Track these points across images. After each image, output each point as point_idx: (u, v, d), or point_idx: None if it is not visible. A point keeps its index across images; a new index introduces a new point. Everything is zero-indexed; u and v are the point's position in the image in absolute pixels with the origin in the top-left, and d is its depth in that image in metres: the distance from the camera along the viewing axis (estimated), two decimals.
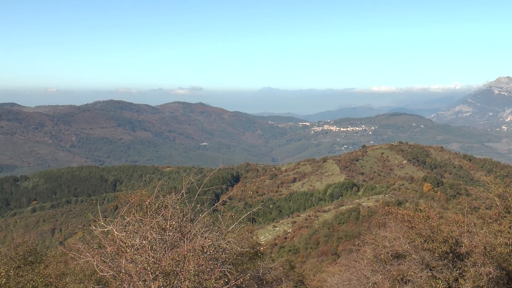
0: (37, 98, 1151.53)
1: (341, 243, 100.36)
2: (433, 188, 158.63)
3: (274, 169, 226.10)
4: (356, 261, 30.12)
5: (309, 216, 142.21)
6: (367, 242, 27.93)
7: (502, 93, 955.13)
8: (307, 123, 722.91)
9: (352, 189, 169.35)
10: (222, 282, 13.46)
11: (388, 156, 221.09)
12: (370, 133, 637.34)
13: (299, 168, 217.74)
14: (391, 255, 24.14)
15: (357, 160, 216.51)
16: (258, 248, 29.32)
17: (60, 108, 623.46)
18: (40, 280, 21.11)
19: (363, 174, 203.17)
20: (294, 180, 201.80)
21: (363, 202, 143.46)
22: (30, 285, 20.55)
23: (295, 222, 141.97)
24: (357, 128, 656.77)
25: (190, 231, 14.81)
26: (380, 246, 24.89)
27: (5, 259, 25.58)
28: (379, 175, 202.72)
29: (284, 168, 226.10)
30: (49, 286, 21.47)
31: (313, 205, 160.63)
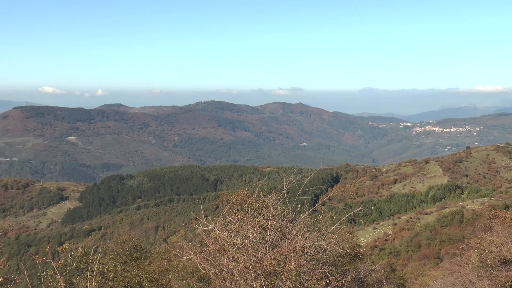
0: (142, 99, 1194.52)
1: (443, 246, 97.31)
2: None
3: (374, 170, 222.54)
4: (460, 265, 29.05)
5: (410, 218, 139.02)
6: (472, 247, 26.86)
7: None
8: (408, 124, 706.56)
9: (455, 192, 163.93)
10: (323, 283, 13.31)
11: (494, 158, 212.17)
12: (475, 134, 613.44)
13: (400, 169, 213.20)
14: (498, 261, 23.10)
15: (461, 162, 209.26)
16: (358, 249, 28.88)
17: (164, 109, 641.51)
18: (145, 275, 21.63)
19: (467, 176, 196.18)
20: (395, 182, 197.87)
21: (467, 205, 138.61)
22: (136, 280, 21.10)
23: (396, 224, 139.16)
24: (461, 129, 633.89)
25: (291, 231, 14.76)
26: (487, 251, 23.86)
27: (112, 255, 26.52)
28: (484, 178, 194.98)
29: (384, 169, 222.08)
30: (153, 282, 21.97)
31: (415, 207, 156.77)
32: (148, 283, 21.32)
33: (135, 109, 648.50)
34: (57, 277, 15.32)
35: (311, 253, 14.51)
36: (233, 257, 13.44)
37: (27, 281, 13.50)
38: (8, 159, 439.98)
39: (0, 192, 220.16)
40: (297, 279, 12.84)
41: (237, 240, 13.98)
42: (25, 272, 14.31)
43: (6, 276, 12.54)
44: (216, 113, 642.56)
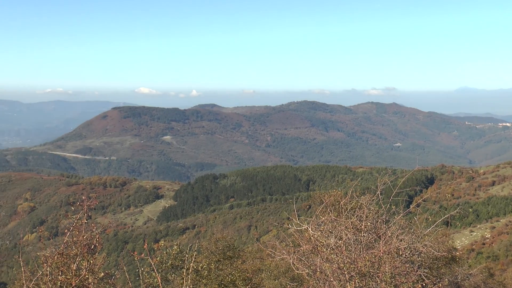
0: (235, 100, 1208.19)
1: None
2: None
3: (471, 172, 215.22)
4: None
5: (510, 221, 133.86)
6: None
7: None
8: (508, 124, 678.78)
9: None
10: (419, 286, 12.96)
11: None
12: None
13: (498, 170, 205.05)
14: None
15: None
16: (454, 253, 27.99)
17: (257, 109, 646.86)
18: (238, 274, 21.81)
19: None
20: (493, 184, 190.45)
21: None
22: (229, 279, 21.30)
23: (494, 227, 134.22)
24: None
25: (385, 232, 14.47)
26: None
27: (206, 253, 26.95)
28: None
29: (482, 171, 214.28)
30: (246, 281, 22.11)
31: None
32: (241, 282, 21.48)
33: (229, 109, 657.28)
34: (153, 274, 15.70)
35: (406, 255, 14.15)
36: (327, 258, 13.33)
37: (126, 276, 13.89)
38: (107, 158, 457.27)
39: (99, 190, 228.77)
40: (392, 281, 12.58)
41: (330, 241, 13.85)
42: (124, 268, 14.71)
43: (107, 271, 12.95)
44: (309, 113, 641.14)
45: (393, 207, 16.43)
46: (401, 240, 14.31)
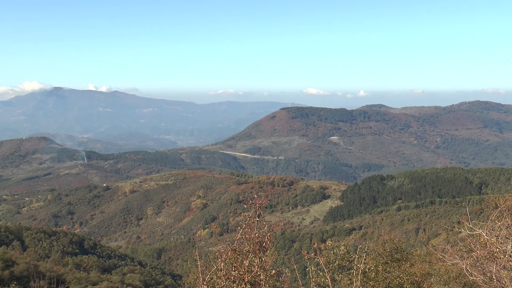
0: (403, 100, 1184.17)
1: None
2: None
3: None
4: None
5: None
6: None
7: None
8: None
9: None
10: None
11: None
12: None
13: None
14: None
15: None
16: None
17: (426, 109, 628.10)
18: (406, 277, 21.42)
19: None
20: None
21: None
22: (396, 282, 20.99)
23: None
24: None
25: None
26: None
27: (373, 254, 26.67)
28: None
29: None
30: (414, 285, 21.65)
31: None
32: (409, 285, 21.09)
33: (396, 110, 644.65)
34: (321, 274, 15.86)
35: None
36: (504, 265, 12.69)
37: (296, 274, 14.16)
38: (275, 158, 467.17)
39: (268, 189, 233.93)
40: None
41: (507, 247, 13.17)
42: (295, 266, 15.03)
43: (278, 269, 13.29)
44: (481, 113, 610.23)
45: None
46: None
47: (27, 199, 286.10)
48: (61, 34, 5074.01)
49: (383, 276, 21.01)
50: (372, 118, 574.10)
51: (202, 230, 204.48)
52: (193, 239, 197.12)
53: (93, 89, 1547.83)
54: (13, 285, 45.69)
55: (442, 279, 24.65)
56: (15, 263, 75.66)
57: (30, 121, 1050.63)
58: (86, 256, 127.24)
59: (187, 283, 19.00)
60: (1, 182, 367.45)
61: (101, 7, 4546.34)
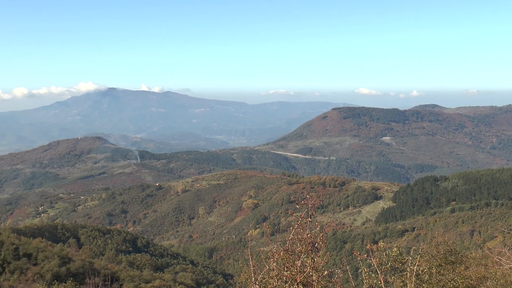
0: (457, 100, 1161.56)
1: None
2: None
3: None
4: None
5: None
6: None
7: None
8: None
9: None
10: None
11: None
12: None
13: None
14: None
15: None
16: None
17: (481, 109, 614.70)
18: (461, 281, 21.10)
19: None
20: None
21: None
22: (451, 285, 20.69)
23: None
24: None
25: None
26: None
27: (426, 257, 26.32)
28: None
29: None
30: None
31: None
32: None
33: (450, 110, 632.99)
34: (373, 275, 15.78)
35: None
36: None
37: (349, 275, 14.14)
38: (326, 158, 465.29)
39: (319, 189, 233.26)
40: None
41: None
42: (347, 267, 14.99)
43: (330, 270, 13.30)
44: None
45: None
46: None
47: (82, 197, 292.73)
48: (116, 36, 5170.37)
49: (436, 279, 20.75)
50: (425, 118, 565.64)
51: (253, 230, 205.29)
52: (244, 238, 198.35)
53: (146, 89, 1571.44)
54: (70, 281, 46.87)
55: (498, 283, 24.12)
56: (71, 260, 77.55)
57: (85, 121, 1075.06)
58: (139, 254, 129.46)
59: (239, 283, 19.15)
60: (57, 181, 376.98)
61: (154, 8, 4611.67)
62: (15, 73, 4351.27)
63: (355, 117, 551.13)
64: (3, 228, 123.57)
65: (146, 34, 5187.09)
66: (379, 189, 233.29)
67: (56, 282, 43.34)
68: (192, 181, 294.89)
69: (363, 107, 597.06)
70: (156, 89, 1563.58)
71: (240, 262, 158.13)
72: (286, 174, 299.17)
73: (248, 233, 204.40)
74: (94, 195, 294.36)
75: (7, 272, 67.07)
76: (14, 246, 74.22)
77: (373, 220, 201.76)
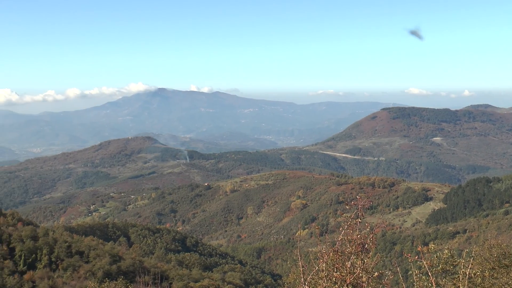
0: (511, 99, 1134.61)
1: None
2: None
3: None
4: None
5: None
6: None
7: None
8: None
9: None
10: None
11: None
12: None
13: None
14: None
15: None
16: None
17: None
18: None
19: None
20: None
21: None
22: None
23: None
24: None
25: None
26: None
27: (479, 259, 25.79)
28: None
29: None
30: None
31: None
32: None
33: (504, 110, 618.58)
34: (423, 277, 15.57)
35: None
36: None
37: (399, 277, 13.99)
38: (375, 159, 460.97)
39: (368, 190, 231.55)
40: None
41: None
42: (398, 269, 14.85)
43: (381, 271, 13.19)
44: None
45: None
46: None
47: (132, 196, 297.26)
48: (166, 37, 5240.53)
49: (490, 283, 20.31)
50: (478, 118, 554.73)
51: (301, 230, 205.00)
52: (293, 239, 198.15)
53: (195, 90, 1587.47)
54: (120, 279, 47.66)
55: None
56: (122, 258, 78.82)
57: (136, 121, 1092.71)
58: (188, 253, 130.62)
59: (287, 283, 19.17)
60: (108, 180, 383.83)
61: (202, 10, 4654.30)
62: (68, 74, 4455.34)
63: (405, 117, 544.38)
64: (56, 226, 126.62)
65: (195, 35, 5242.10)
66: (430, 190, 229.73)
67: (107, 280, 44.10)
68: (241, 181, 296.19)
69: (413, 107, 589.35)
70: (205, 90, 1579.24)
71: (288, 262, 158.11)
72: (335, 174, 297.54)
73: (297, 234, 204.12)
74: (144, 194, 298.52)
75: (60, 269, 68.68)
76: (67, 244, 75.82)
77: (423, 221, 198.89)
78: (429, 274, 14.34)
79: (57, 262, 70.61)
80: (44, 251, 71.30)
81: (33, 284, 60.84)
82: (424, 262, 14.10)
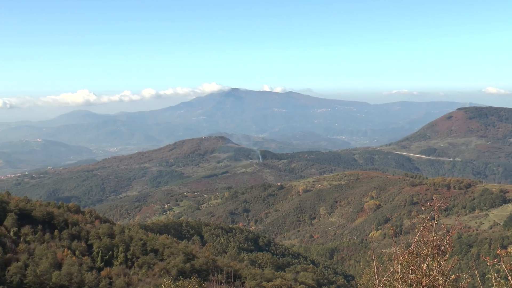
0: None
1: None
2: None
3: None
4: None
5: None
6: None
7: None
8: None
9: None
10: None
11: None
12: None
13: None
14: None
15: None
16: None
17: None
18: None
19: None
20: None
21: None
22: None
23: None
24: None
25: None
26: None
27: None
28: None
29: None
30: None
31: None
32: None
33: None
34: (502, 282, 15.11)
35: None
36: None
37: (477, 281, 13.68)
38: (451, 159, 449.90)
39: (443, 191, 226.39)
40: None
41: None
42: (476, 272, 14.47)
43: (458, 274, 12.94)
44: None
45: None
46: None
47: (206, 196, 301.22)
48: (239, 37, 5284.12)
49: None
50: None
51: (375, 231, 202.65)
52: (366, 240, 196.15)
53: (268, 90, 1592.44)
54: (194, 277, 48.30)
55: None
56: (195, 256, 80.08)
57: (209, 121, 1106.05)
58: (261, 253, 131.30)
59: (360, 284, 18.96)
60: (182, 179, 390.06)
61: (275, 9, 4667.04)
62: (144, 75, 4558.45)
63: (482, 117, 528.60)
64: (132, 224, 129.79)
65: (269, 35, 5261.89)
66: (508, 192, 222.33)
67: (181, 278, 44.84)
68: (313, 181, 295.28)
69: (491, 107, 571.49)
70: (278, 90, 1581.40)
71: (361, 263, 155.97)
72: (409, 175, 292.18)
73: (370, 234, 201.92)
74: (217, 193, 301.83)
75: (136, 266, 70.41)
76: (142, 241, 77.71)
77: (501, 224, 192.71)
78: (509, 278, 13.90)
79: (133, 259, 72.44)
80: (120, 249, 73.31)
81: (110, 280, 62.56)
82: (503, 266, 13.68)
